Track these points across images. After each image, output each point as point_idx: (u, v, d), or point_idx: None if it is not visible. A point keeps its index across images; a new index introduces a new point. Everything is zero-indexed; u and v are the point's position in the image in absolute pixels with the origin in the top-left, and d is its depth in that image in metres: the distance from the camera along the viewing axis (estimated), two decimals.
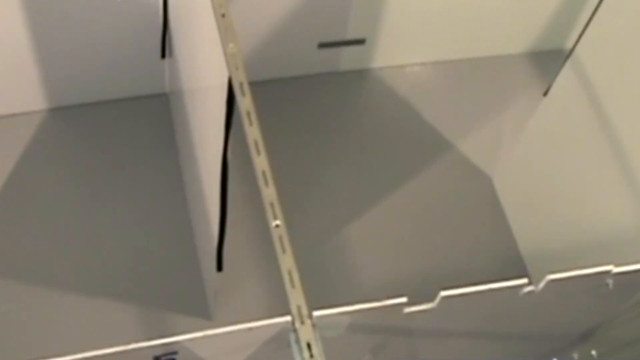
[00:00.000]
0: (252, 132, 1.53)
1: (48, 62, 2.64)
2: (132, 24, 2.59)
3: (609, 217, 2.31)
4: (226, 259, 2.16)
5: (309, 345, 1.40)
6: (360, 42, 2.94)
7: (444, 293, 1.53)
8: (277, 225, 1.46)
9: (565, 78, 2.42)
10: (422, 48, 3.09)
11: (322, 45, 2.90)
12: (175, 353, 1.47)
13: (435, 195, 2.85)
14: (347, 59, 3.00)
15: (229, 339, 1.48)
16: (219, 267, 2.19)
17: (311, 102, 2.93)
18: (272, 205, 1.48)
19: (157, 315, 2.53)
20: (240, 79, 1.58)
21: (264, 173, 1.50)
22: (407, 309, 1.55)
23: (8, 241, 2.58)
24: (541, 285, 1.62)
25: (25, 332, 2.45)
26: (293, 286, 1.44)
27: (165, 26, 2.58)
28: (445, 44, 3.10)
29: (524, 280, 1.60)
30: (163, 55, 2.71)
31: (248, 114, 1.55)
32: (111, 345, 1.40)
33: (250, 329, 1.45)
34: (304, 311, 1.42)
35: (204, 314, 2.52)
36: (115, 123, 2.82)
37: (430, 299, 1.57)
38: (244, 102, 1.56)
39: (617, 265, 1.67)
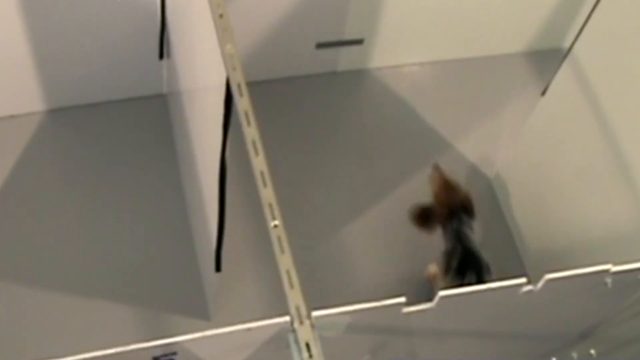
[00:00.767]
0: (250, 132, 1.54)
1: (47, 63, 2.64)
2: (130, 25, 2.59)
3: (607, 216, 2.31)
4: (225, 260, 2.16)
5: (307, 346, 1.40)
6: (358, 42, 2.94)
7: (442, 293, 1.53)
8: (275, 226, 1.47)
9: (563, 77, 2.43)
10: (420, 48, 3.09)
11: (320, 46, 2.90)
12: (174, 354, 1.47)
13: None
14: (345, 59, 3.00)
15: (228, 340, 1.48)
16: (218, 268, 2.19)
17: (310, 102, 2.93)
18: (270, 205, 1.48)
19: (156, 316, 2.53)
20: (238, 79, 1.58)
21: (262, 173, 1.50)
22: (406, 309, 1.55)
23: (8, 242, 2.58)
24: (540, 284, 1.62)
25: (24, 333, 2.45)
26: (292, 286, 1.44)
27: (163, 27, 2.58)
28: (443, 43, 3.10)
29: (523, 280, 1.60)
30: (161, 56, 2.71)
31: (246, 114, 1.55)
32: (111, 346, 1.40)
33: (249, 329, 1.45)
34: (303, 311, 1.43)
35: (203, 315, 2.52)
36: (114, 124, 2.82)
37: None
38: (242, 103, 1.56)
39: (615, 264, 1.67)
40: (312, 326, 1.42)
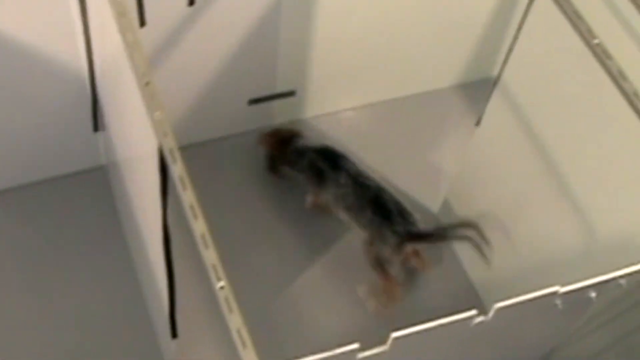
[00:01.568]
0: (187, 197, 1.54)
1: None
2: (61, 100, 2.59)
3: (553, 238, 2.34)
4: (181, 325, 2.15)
5: None
6: (290, 94, 2.96)
7: (394, 334, 1.53)
8: (221, 287, 1.46)
9: (494, 106, 2.46)
10: (353, 93, 3.12)
11: (253, 102, 2.91)
12: None
13: None
14: (279, 112, 3.02)
15: None
16: (174, 334, 2.18)
17: (247, 159, 2.93)
18: (214, 267, 1.48)
19: None
20: (170, 145, 1.58)
21: (203, 236, 1.50)
22: (361, 354, 1.55)
23: None
24: (490, 314, 1.63)
25: None
26: (244, 345, 1.44)
27: (95, 99, 2.58)
28: (375, 86, 3.13)
29: (474, 312, 1.60)
30: (96, 129, 2.70)
31: (181, 179, 1.55)
32: None
33: None
34: None
35: None
36: (56, 201, 2.79)
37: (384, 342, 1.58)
38: (176, 168, 1.56)
39: (563, 285, 1.69)
40: None
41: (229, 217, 2.80)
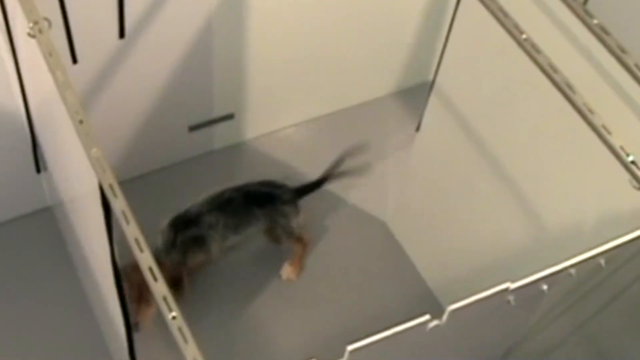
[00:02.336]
0: (131, 230, 1.53)
1: None
2: (1, 143, 2.57)
3: (501, 235, 2.35)
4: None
5: None
6: (229, 117, 2.96)
7: (350, 347, 1.53)
8: (174, 317, 1.45)
9: (432, 110, 2.47)
10: (291, 110, 3.13)
11: (193, 128, 2.91)
12: None
13: (336, 251, 2.87)
14: (220, 136, 3.02)
15: None
16: None
17: (190, 186, 2.91)
18: (165, 298, 1.47)
19: None
20: (109, 180, 1.57)
21: (150, 269, 1.49)
22: None
23: None
24: (445, 317, 1.63)
25: None
26: None
27: (34, 140, 2.56)
28: (313, 101, 3.14)
29: (427, 317, 1.60)
30: (38, 170, 2.68)
31: (124, 213, 1.55)
32: None
33: None
34: None
35: None
36: (4, 247, 2.77)
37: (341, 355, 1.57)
38: (117, 203, 1.55)
39: (513, 281, 1.69)
40: None
41: None
